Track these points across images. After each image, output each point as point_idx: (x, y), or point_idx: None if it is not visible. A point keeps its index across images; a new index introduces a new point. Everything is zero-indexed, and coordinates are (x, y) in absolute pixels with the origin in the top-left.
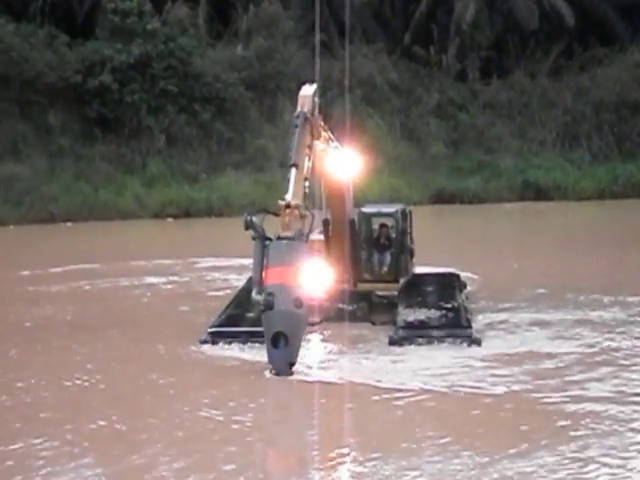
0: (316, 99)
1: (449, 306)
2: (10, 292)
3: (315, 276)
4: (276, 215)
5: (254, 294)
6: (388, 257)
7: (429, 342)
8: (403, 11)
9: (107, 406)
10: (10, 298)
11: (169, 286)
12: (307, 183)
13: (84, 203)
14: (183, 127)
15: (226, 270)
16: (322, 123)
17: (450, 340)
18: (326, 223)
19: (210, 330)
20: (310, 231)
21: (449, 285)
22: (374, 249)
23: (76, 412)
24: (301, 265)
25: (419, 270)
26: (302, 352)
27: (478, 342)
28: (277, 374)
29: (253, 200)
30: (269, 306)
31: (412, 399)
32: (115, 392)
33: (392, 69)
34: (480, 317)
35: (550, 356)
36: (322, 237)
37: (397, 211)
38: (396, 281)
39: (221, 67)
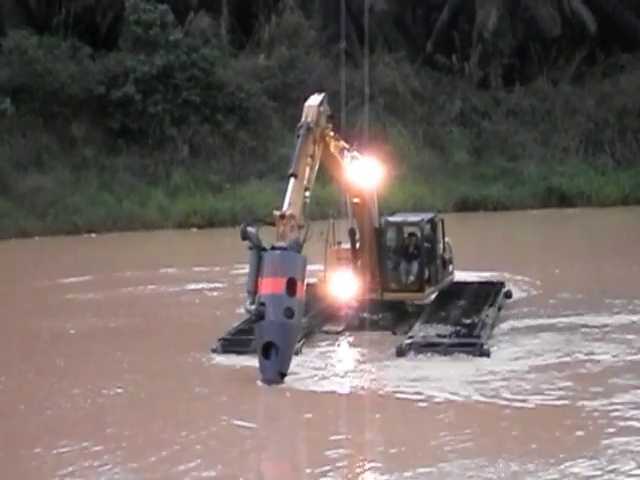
0: (322, 109)
1: (468, 321)
2: (47, 300)
3: (341, 285)
4: (272, 225)
5: (248, 304)
6: (415, 266)
7: (438, 353)
8: (425, 19)
9: (135, 415)
10: (49, 306)
11: (214, 293)
12: (308, 193)
13: (108, 214)
14: (206, 137)
15: None
16: (332, 133)
17: (458, 351)
18: (352, 232)
19: (221, 339)
20: (305, 240)
21: (483, 297)
22: (402, 258)
23: (110, 421)
24: (293, 275)
25: (467, 277)
26: (322, 361)
27: (487, 353)
28: (268, 384)
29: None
30: (260, 316)
31: (443, 408)
32: (146, 402)
33: (414, 77)
34: (527, 322)
35: (593, 362)
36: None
37: (422, 220)
38: (421, 290)
39: (244, 77)
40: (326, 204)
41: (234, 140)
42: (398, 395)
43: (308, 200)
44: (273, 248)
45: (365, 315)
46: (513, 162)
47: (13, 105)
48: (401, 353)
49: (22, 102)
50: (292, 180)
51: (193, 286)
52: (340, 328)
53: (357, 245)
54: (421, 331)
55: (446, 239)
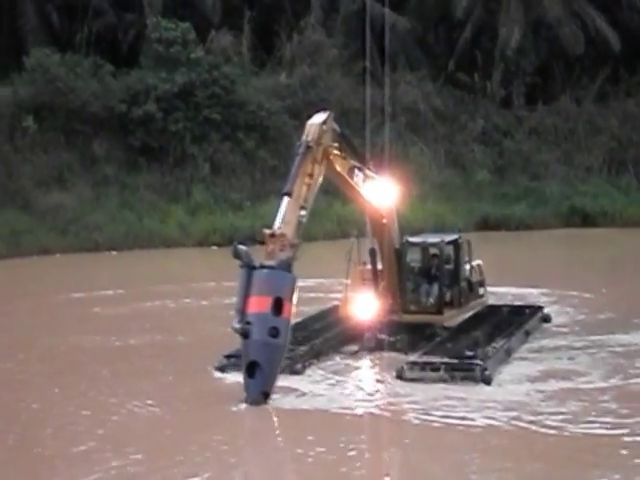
0: (325, 127)
1: (470, 354)
2: (76, 314)
3: (363, 306)
4: (262, 244)
5: (235, 323)
6: (436, 288)
7: (436, 378)
8: (447, 38)
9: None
10: (77, 321)
11: None
12: (303, 212)
13: (128, 232)
14: (227, 155)
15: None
16: (338, 151)
17: (455, 376)
18: (372, 253)
19: (225, 355)
20: (294, 259)
21: (506, 325)
22: (424, 280)
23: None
24: (280, 294)
25: (514, 292)
26: (328, 380)
27: (486, 381)
28: (251, 404)
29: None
30: (246, 335)
31: (466, 432)
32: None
33: (436, 96)
34: (568, 340)
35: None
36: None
37: (442, 241)
38: (440, 313)
39: (265, 95)
40: (346, 222)
41: (255, 158)
42: (403, 417)
43: (304, 219)
44: (262, 267)
45: (382, 336)
46: (535, 181)
47: (35, 123)
48: (400, 375)
49: (44, 120)
50: (285, 199)
51: (223, 300)
52: (355, 349)
53: (378, 265)
54: (424, 355)
55: (477, 262)
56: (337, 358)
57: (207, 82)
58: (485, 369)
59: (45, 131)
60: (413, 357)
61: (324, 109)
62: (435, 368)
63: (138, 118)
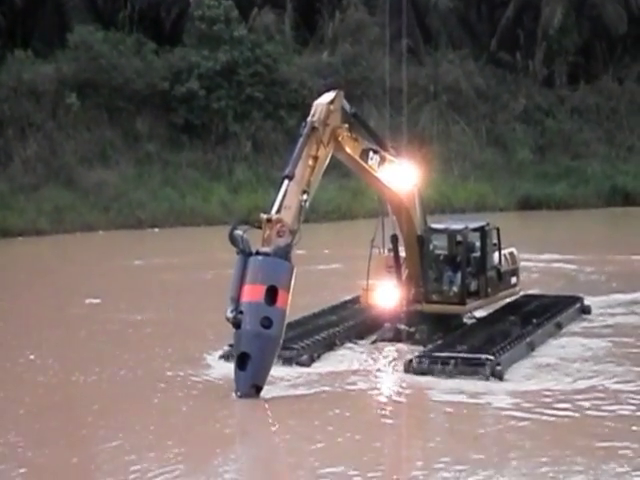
0: (333, 107)
1: (486, 346)
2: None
3: (386, 294)
4: (259, 228)
5: (228, 312)
6: (459, 278)
7: (444, 372)
8: (489, 17)
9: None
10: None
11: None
12: (305, 196)
13: (171, 209)
14: (269, 133)
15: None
16: (349, 133)
17: (465, 372)
18: (394, 239)
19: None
20: (291, 246)
21: (536, 316)
22: (449, 268)
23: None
24: (275, 283)
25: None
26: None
27: (498, 376)
28: (241, 397)
29: (339, 206)
30: (237, 325)
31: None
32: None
33: (478, 75)
34: None
35: None
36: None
37: (466, 228)
38: (462, 303)
39: (307, 73)
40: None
41: (297, 136)
42: (404, 406)
43: (307, 204)
44: (257, 253)
45: (402, 327)
46: (577, 161)
47: (78, 100)
48: (407, 368)
49: (87, 97)
50: (286, 182)
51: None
52: (372, 340)
53: (401, 252)
54: (436, 349)
55: (510, 249)
56: (351, 348)
57: (249, 60)
58: (497, 364)
59: (88, 108)
60: (423, 350)
61: (333, 89)
62: (444, 362)
63: (181, 96)
